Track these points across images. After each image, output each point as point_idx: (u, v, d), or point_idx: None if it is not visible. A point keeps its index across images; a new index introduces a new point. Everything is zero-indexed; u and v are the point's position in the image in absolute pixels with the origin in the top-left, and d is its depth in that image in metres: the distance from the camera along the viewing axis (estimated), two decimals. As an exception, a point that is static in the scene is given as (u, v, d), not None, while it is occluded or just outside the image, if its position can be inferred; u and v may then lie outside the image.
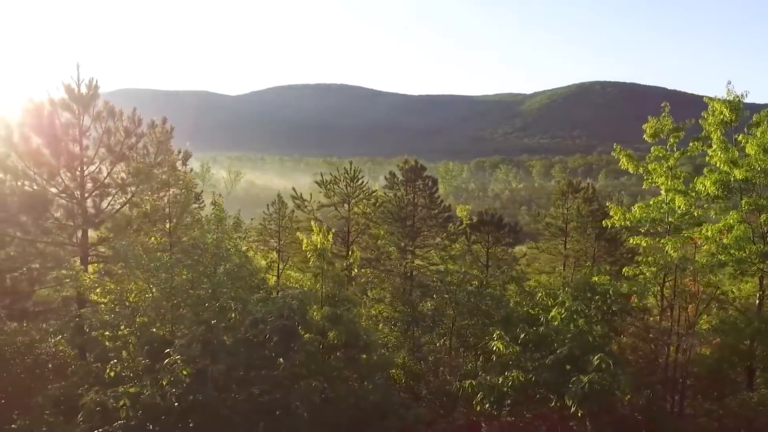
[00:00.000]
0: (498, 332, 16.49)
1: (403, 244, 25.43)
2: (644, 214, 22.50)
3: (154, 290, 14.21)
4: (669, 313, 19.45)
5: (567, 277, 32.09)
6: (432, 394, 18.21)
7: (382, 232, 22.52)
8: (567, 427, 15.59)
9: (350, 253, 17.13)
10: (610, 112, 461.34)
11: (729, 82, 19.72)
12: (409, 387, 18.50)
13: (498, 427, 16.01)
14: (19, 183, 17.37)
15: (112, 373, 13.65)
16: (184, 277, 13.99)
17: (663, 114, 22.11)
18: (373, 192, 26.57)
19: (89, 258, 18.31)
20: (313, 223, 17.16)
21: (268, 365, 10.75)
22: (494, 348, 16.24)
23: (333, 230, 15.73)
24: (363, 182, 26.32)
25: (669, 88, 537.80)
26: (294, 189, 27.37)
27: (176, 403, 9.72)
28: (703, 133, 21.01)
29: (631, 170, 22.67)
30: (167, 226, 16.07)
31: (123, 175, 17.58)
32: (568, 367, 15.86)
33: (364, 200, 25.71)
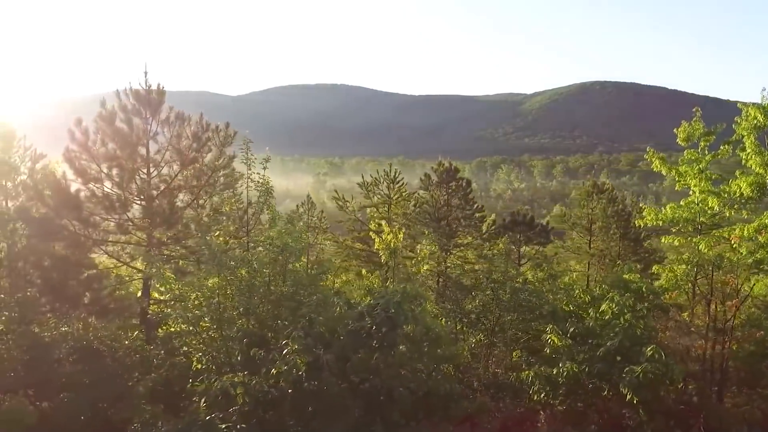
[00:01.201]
0: (551, 326, 17.42)
1: (440, 243, 26.34)
2: (676, 214, 23.47)
3: (233, 287, 15.11)
4: (706, 309, 20.36)
5: (592, 275, 33.17)
6: (482, 385, 19.12)
7: (426, 232, 23.44)
8: (620, 415, 16.53)
9: (418, 251, 18.10)
10: (610, 112, 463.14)
11: (764, 89, 20.65)
12: (459, 378, 19.38)
13: (552, 415, 16.94)
14: (92, 186, 18.29)
15: (199, 366, 14.61)
16: (265, 276, 14.87)
17: (694, 119, 23.07)
18: (413, 194, 27.54)
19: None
20: (384, 222, 18.06)
21: (368, 355, 11.66)
22: (548, 340, 17.17)
23: (404, 230, 16.68)
24: (403, 184, 27.31)
25: (669, 87, 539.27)
26: (336, 191, 28.28)
27: (290, 390, 10.60)
28: (734, 137, 21.94)
29: (664, 173, 23.57)
30: (232, 226, 17.00)
31: (189, 177, 18.51)
32: (618, 358, 16.83)
33: (404, 201, 26.66)
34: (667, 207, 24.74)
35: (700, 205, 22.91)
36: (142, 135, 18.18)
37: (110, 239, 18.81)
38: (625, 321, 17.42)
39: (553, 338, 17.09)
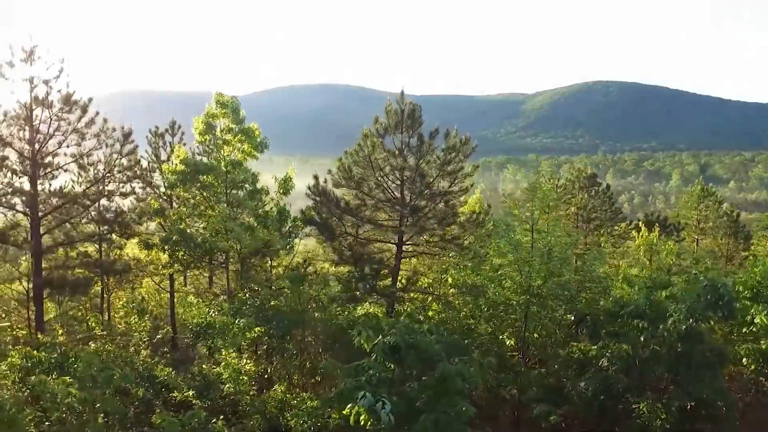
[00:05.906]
0: (756, 308, 21.05)
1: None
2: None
3: (518, 278, 18.67)
4: None
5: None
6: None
7: (601, 232, 27.01)
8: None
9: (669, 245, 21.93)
10: (612, 112, 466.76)
11: None
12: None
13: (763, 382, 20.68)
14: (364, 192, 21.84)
15: (510, 342, 18.14)
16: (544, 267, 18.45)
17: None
18: (572, 198, 31.14)
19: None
20: (640, 223, 21.67)
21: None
22: (756, 321, 20.79)
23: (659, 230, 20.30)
24: (563, 188, 30.85)
25: (671, 87, 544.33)
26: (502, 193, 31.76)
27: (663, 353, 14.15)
28: None
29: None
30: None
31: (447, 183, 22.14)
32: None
33: (563, 204, 30.21)
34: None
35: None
36: (406, 147, 21.69)
37: (372, 236, 22.42)
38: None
39: (762, 318, 20.71)
